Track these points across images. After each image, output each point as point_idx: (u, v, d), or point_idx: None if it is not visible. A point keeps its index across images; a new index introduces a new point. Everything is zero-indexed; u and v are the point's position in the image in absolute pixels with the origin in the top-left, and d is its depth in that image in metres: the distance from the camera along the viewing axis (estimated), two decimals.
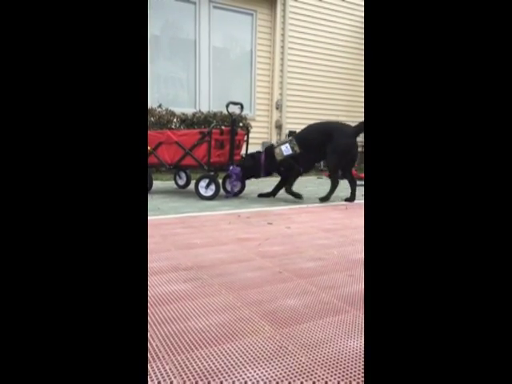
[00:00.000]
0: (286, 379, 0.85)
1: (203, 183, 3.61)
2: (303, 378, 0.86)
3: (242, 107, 3.91)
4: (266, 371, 0.88)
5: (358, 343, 1.01)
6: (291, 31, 7.18)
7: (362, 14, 7.82)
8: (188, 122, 5.92)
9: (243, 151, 3.98)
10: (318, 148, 3.47)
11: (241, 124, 6.30)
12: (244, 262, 1.72)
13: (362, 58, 8.00)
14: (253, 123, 6.71)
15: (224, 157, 3.66)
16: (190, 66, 6.67)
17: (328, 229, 2.43)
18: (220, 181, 3.75)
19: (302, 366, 0.90)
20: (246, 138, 3.91)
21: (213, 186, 3.56)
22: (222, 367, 0.89)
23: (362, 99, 8.17)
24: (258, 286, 1.42)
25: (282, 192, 3.86)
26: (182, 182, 4.51)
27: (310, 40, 7.43)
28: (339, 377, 0.86)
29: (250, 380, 0.85)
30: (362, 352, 0.97)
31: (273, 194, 3.79)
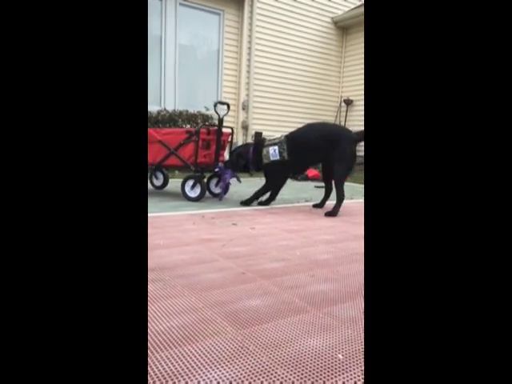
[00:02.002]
0: (247, 379, 0.86)
1: (189, 184, 3.48)
2: (263, 377, 0.87)
3: (228, 107, 3.81)
4: (227, 372, 0.88)
5: (317, 342, 1.04)
6: (258, 33, 7.22)
7: (329, 20, 8.01)
8: (152, 120, 5.80)
9: (227, 151, 3.88)
10: (316, 153, 3.05)
11: (207, 123, 6.26)
12: (207, 262, 1.71)
13: (329, 62, 8.19)
14: None
15: (210, 157, 3.51)
16: (155, 63, 6.54)
17: (291, 230, 2.46)
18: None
19: (263, 366, 0.91)
20: (230, 139, 3.78)
21: (198, 187, 3.44)
22: (183, 369, 0.89)
23: (328, 102, 8.36)
24: (220, 287, 1.42)
25: (245, 192, 3.87)
26: (158, 183, 4.20)
27: (276, 42, 7.51)
28: (299, 375, 0.88)
29: (211, 381, 0.85)
30: (322, 350, 1.00)
31: (256, 197, 3.41)
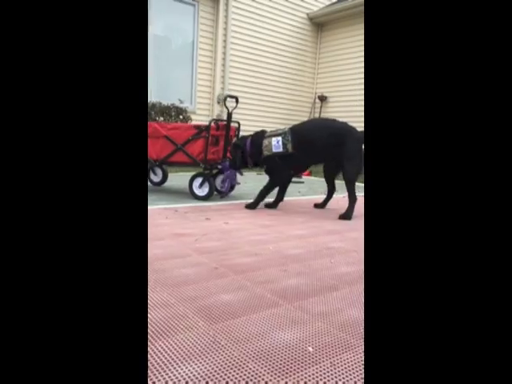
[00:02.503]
0: (218, 374, 0.87)
1: (196, 182, 3.36)
2: (235, 371, 0.88)
3: (237, 101, 3.70)
4: (198, 367, 0.89)
5: (289, 335, 1.06)
6: (234, 26, 7.17)
7: (304, 16, 8.04)
8: None
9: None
10: (321, 149, 2.82)
11: (181, 117, 6.18)
12: (180, 257, 1.70)
13: (304, 58, 8.23)
14: (193, 116, 6.61)
15: (218, 154, 3.38)
16: None
17: (265, 225, 2.48)
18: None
19: (234, 360, 0.92)
20: (236, 133, 3.65)
21: (206, 185, 3.32)
22: (154, 365, 0.88)
23: (303, 98, 8.42)
24: (193, 282, 1.41)
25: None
26: (157, 179, 4.04)
27: (252, 36, 7.47)
28: (270, 368, 0.90)
29: (183, 377, 0.85)
30: (293, 343, 1.02)
31: (261, 199, 3.15)
